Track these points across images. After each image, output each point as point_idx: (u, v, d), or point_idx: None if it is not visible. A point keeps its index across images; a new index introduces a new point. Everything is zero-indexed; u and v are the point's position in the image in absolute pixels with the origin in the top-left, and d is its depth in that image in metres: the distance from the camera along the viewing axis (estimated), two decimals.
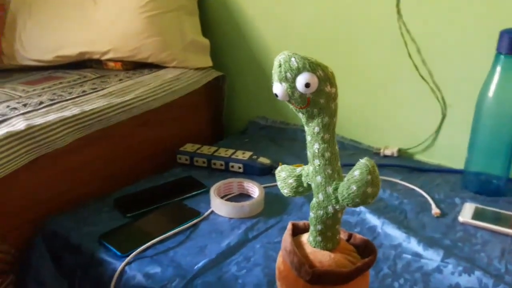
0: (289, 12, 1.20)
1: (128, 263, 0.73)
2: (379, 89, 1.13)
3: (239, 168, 1.03)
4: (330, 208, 0.55)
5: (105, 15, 1.19)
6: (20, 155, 0.81)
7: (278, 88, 0.51)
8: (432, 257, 0.73)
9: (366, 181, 0.51)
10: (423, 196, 0.93)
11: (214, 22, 1.33)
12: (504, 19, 0.91)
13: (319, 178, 0.55)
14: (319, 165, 0.54)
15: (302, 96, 0.51)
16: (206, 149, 1.08)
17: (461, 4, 0.97)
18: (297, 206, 0.89)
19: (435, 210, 0.87)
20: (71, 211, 0.88)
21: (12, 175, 0.80)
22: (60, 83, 1.10)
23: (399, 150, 1.14)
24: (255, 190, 0.92)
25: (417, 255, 0.74)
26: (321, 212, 0.56)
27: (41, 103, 0.95)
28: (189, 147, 1.10)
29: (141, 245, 0.76)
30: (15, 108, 0.91)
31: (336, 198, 0.54)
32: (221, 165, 1.04)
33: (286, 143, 1.21)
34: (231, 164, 1.03)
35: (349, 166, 0.53)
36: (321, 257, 0.56)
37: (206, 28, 1.30)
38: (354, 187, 0.51)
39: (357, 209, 0.86)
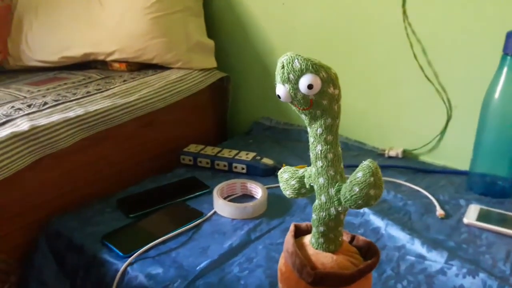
0: (294, 13, 1.19)
1: (130, 264, 0.73)
2: (384, 90, 1.13)
3: (243, 169, 1.03)
4: (332, 210, 0.55)
5: (110, 16, 1.19)
6: (24, 156, 0.81)
7: (281, 90, 0.51)
8: (436, 259, 0.73)
9: (368, 183, 0.50)
10: (428, 198, 0.92)
11: (219, 23, 1.34)
12: (511, 20, 0.90)
13: (321, 180, 0.54)
14: (321, 166, 0.54)
15: (305, 97, 0.50)
16: (210, 150, 1.08)
17: (468, 5, 0.96)
18: (300, 207, 0.89)
19: (439, 212, 0.86)
20: (74, 212, 0.88)
21: (16, 176, 0.80)
22: (65, 83, 1.11)
23: (404, 151, 1.13)
24: (258, 191, 0.92)
25: (421, 257, 0.74)
26: (323, 214, 0.55)
27: (45, 103, 0.95)
28: (192, 148, 1.10)
29: (144, 246, 0.76)
30: (20, 109, 0.92)
31: (339, 200, 0.54)
32: (225, 165, 1.04)
33: (290, 144, 1.21)
34: (234, 164, 1.03)
35: (353, 167, 0.52)
36: (323, 259, 0.56)
37: (211, 29, 1.30)
38: (356, 189, 0.51)
39: (361, 210, 0.86)
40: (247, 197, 0.93)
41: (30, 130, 0.83)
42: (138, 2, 1.17)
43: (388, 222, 0.82)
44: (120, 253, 0.75)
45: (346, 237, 0.62)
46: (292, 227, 0.61)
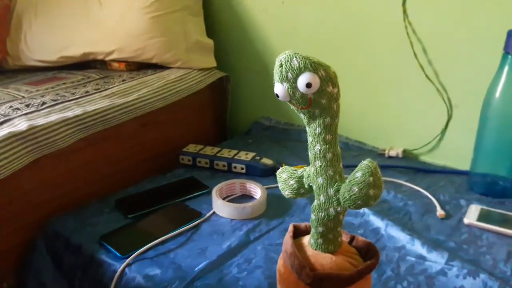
0: (293, 12, 1.19)
1: (128, 265, 0.72)
2: (384, 90, 1.12)
3: (242, 169, 1.02)
4: (331, 210, 0.54)
5: (109, 15, 1.19)
6: (22, 156, 0.81)
7: (279, 88, 0.51)
8: (436, 260, 0.72)
9: (368, 183, 0.50)
10: (428, 198, 0.91)
11: (218, 23, 1.33)
12: None
13: (320, 180, 0.54)
14: (320, 166, 0.54)
15: (303, 96, 0.50)
16: (209, 150, 1.08)
17: (468, 3, 0.95)
18: (300, 208, 0.88)
19: (440, 212, 0.86)
20: (72, 212, 0.88)
21: (14, 176, 0.80)
22: (64, 83, 1.10)
23: (404, 151, 1.12)
24: (257, 191, 0.91)
25: (421, 258, 0.73)
26: (322, 214, 0.55)
27: (43, 103, 0.95)
28: (192, 148, 1.09)
29: (142, 247, 0.75)
30: (18, 109, 0.91)
31: (338, 200, 0.53)
32: (224, 166, 1.04)
33: (290, 144, 1.20)
34: (233, 165, 1.03)
35: (353, 167, 0.52)
36: (322, 260, 0.56)
37: (211, 28, 1.30)
38: (355, 189, 0.51)
39: (361, 210, 0.85)
40: (246, 197, 0.93)
41: (28, 130, 0.83)
42: (137, 2, 1.17)
43: (388, 222, 0.81)
44: (118, 254, 0.74)
45: (345, 238, 0.61)
46: (291, 228, 0.60)
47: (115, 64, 1.22)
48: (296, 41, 1.21)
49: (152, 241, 0.77)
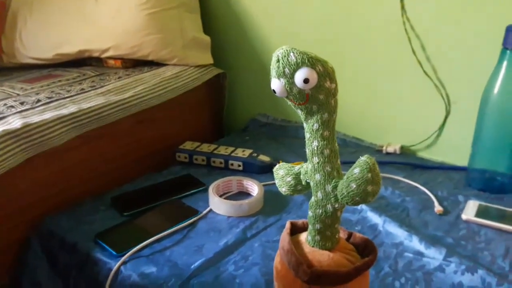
0: (291, 8, 1.18)
1: (124, 263, 0.72)
2: (382, 86, 1.12)
3: (239, 166, 1.02)
4: (329, 207, 0.54)
5: (105, 12, 1.18)
6: (16, 154, 0.80)
7: (276, 84, 0.50)
8: (434, 256, 0.72)
9: (366, 179, 0.49)
10: (426, 194, 0.91)
11: (215, 19, 1.32)
12: (511, 14, 0.89)
13: (318, 176, 0.53)
14: (318, 162, 0.53)
15: (300, 92, 0.49)
16: (206, 147, 1.07)
17: None
18: (297, 204, 0.88)
19: (438, 208, 0.85)
20: (67, 210, 0.87)
21: (8, 174, 0.79)
22: (59, 81, 1.09)
23: (402, 147, 1.12)
24: (254, 188, 0.91)
25: (419, 254, 0.73)
26: (320, 211, 0.54)
27: (38, 101, 0.94)
28: (188, 145, 1.08)
29: (137, 245, 0.75)
30: (12, 106, 0.91)
31: (335, 196, 0.53)
32: (221, 163, 1.03)
33: (287, 141, 1.20)
34: (230, 162, 1.02)
35: (351, 163, 0.51)
36: (320, 256, 0.55)
37: (207, 25, 1.29)
38: (353, 185, 0.50)
39: (358, 207, 0.85)
40: (243, 194, 0.92)
41: (22, 128, 0.82)
42: None
43: (386, 218, 0.81)
44: (114, 252, 0.74)
45: (343, 234, 0.61)
46: (288, 225, 0.60)
47: (111, 61, 1.22)
48: (293, 38, 1.20)
49: (148, 239, 0.76)
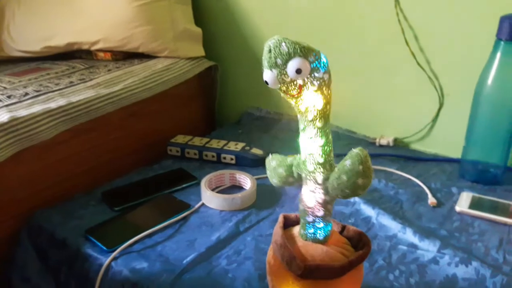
0: (283, 0, 1.17)
1: (115, 258, 0.71)
2: (375, 78, 1.11)
3: (231, 159, 1.01)
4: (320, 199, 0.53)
5: (94, 4, 1.16)
6: (3, 148, 0.78)
7: (268, 75, 0.49)
8: (428, 248, 0.71)
9: (357, 172, 0.49)
10: (419, 186, 0.91)
11: (207, 11, 1.31)
12: (504, 4, 0.88)
13: (310, 168, 0.53)
14: (310, 154, 0.52)
15: (293, 82, 0.48)
16: (198, 141, 1.06)
17: None
18: (290, 198, 0.87)
19: (431, 200, 0.85)
20: (57, 205, 0.85)
21: None
22: (48, 74, 1.08)
23: (395, 140, 1.12)
24: (247, 181, 0.90)
25: (413, 246, 0.72)
26: None
27: (26, 94, 0.92)
28: (180, 139, 1.07)
29: (128, 240, 0.74)
30: None
31: (326, 188, 0.52)
32: (213, 156, 1.02)
33: (280, 134, 1.19)
34: (223, 155, 1.01)
35: (343, 156, 0.50)
36: (313, 250, 0.55)
37: (199, 16, 1.27)
38: (344, 178, 0.50)
39: (352, 199, 0.84)
40: (236, 188, 0.91)
41: (9, 122, 0.80)
42: None
43: (379, 211, 0.81)
44: (104, 248, 0.72)
45: (336, 228, 0.60)
46: (280, 218, 0.59)
47: (101, 54, 1.20)
48: (285, 29, 1.18)
49: (139, 234, 0.75)
